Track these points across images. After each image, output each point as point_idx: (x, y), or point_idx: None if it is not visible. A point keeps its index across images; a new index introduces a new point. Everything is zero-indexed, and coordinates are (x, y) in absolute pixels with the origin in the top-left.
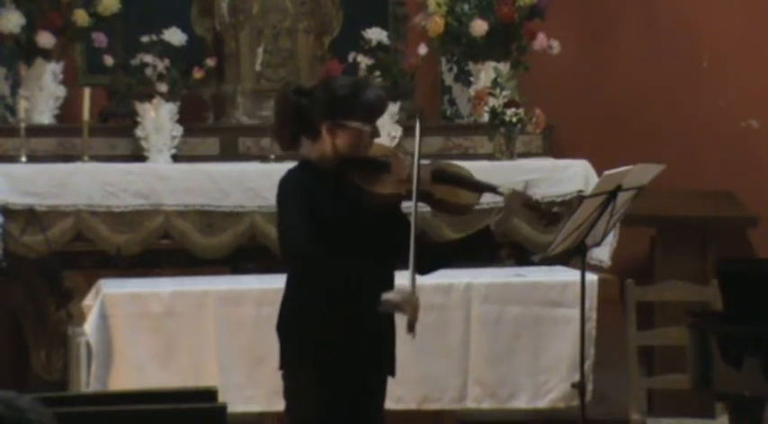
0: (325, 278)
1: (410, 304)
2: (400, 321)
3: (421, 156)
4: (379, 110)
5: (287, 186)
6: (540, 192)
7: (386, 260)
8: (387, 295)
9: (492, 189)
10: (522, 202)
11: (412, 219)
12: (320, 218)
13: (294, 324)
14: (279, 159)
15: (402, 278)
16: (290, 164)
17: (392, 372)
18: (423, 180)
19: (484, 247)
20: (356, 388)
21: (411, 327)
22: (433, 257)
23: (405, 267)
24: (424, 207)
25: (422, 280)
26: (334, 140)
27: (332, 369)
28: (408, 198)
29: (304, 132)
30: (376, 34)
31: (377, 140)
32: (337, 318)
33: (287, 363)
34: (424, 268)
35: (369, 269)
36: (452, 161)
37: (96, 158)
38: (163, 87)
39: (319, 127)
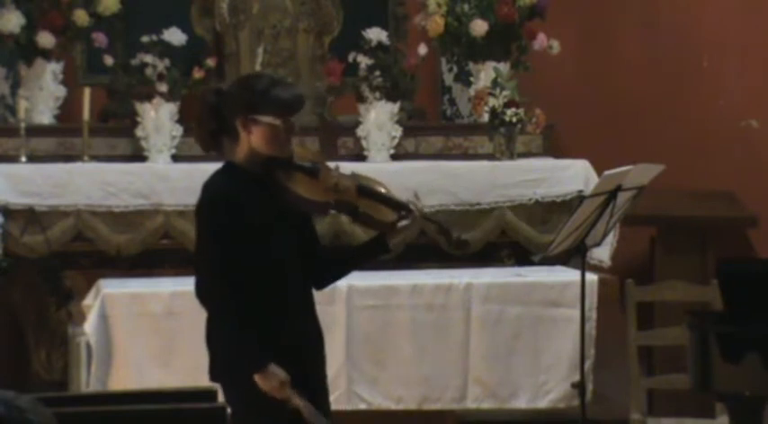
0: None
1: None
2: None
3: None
4: (292, 106)
5: (211, 195)
6: (540, 192)
7: (306, 272)
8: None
9: (405, 207)
10: (422, 215)
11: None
12: (246, 225)
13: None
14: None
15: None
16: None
17: (323, 387)
18: (349, 191)
19: (378, 254)
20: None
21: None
22: (335, 267)
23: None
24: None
25: (422, 280)
26: (249, 137)
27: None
28: (334, 207)
29: (223, 133)
30: (376, 34)
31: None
32: (270, 343)
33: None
34: (325, 280)
35: (285, 296)
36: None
37: (96, 158)
38: (163, 87)
39: (235, 124)
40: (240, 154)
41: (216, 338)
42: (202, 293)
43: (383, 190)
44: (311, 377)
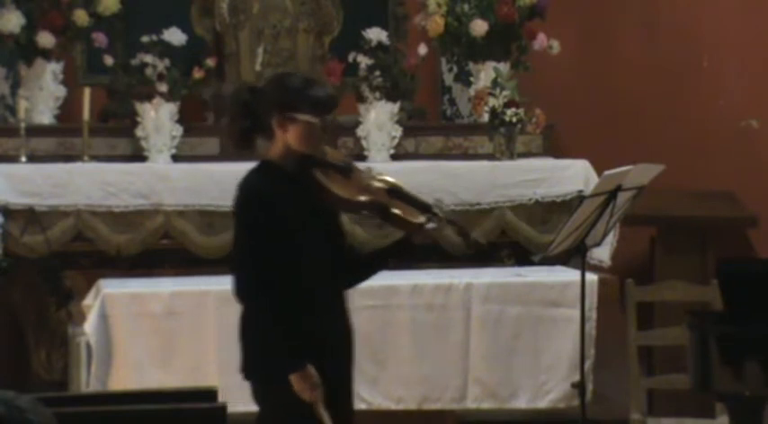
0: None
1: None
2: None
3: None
4: (328, 105)
5: (246, 194)
6: (540, 192)
7: (336, 271)
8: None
9: (431, 209)
10: (446, 218)
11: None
12: (280, 222)
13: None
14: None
15: None
16: None
17: (345, 387)
18: (381, 193)
19: (404, 256)
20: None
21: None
22: (362, 268)
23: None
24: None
25: (422, 280)
26: (285, 135)
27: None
28: (367, 207)
29: (258, 131)
30: (376, 34)
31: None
32: (300, 338)
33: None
34: (352, 280)
35: (318, 291)
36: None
37: (96, 158)
38: (163, 87)
39: (270, 122)
40: (275, 152)
41: (252, 336)
42: (240, 291)
43: (412, 194)
44: (334, 376)
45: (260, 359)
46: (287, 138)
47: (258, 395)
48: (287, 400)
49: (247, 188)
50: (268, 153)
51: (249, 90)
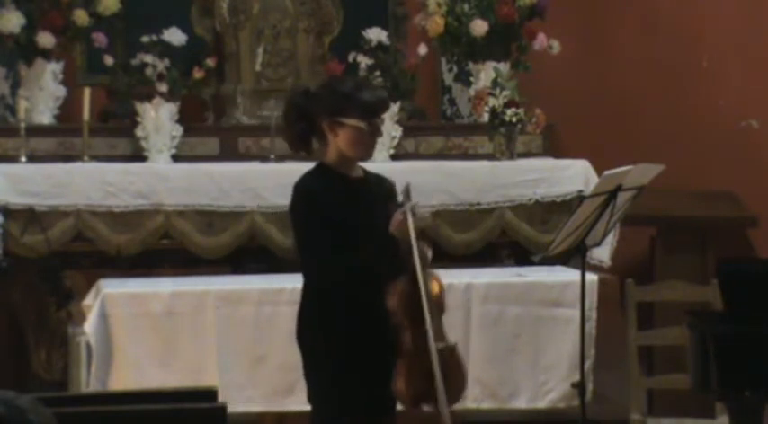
0: (344, 279)
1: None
2: None
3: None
4: (377, 108)
5: (300, 193)
6: (540, 192)
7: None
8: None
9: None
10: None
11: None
12: (334, 224)
13: (317, 327)
14: (279, 159)
15: None
16: (291, 164)
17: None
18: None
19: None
20: (379, 374)
21: None
22: None
23: None
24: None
25: None
26: (336, 139)
27: (357, 360)
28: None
29: (313, 134)
30: (376, 34)
31: None
32: (358, 313)
33: (310, 366)
34: None
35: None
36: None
37: (96, 158)
38: (163, 87)
39: (322, 126)
40: (330, 154)
41: (312, 335)
42: (312, 277)
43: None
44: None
45: (313, 358)
46: (337, 142)
47: (312, 395)
48: (339, 401)
49: (301, 189)
50: (323, 155)
51: (303, 93)
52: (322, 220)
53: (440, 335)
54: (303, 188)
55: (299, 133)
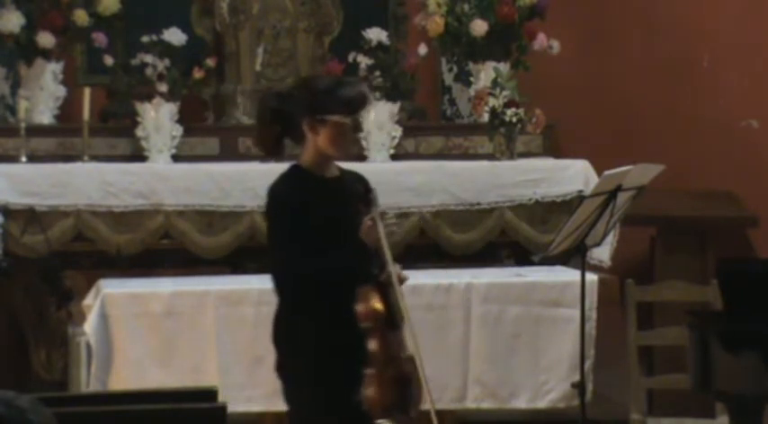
0: (316, 285)
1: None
2: None
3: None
4: (358, 103)
5: (274, 199)
6: (540, 192)
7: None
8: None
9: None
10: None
11: None
12: (310, 226)
13: (290, 333)
14: (279, 159)
15: None
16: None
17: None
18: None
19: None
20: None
21: None
22: None
23: None
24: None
25: (422, 280)
26: (316, 137)
27: (329, 365)
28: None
29: (288, 135)
30: (376, 34)
31: None
32: (328, 318)
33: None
34: None
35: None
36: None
37: (96, 158)
38: (163, 87)
39: (301, 125)
40: (307, 155)
41: (287, 334)
42: (281, 289)
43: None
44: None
45: (291, 359)
46: (318, 141)
47: (289, 396)
48: (318, 402)
49: (275, 193)
50: (299, 157)
51: (276, 95)
52: (294, 224)
53: (402, 345)
54: (276, 191)
55: (275, 136)
